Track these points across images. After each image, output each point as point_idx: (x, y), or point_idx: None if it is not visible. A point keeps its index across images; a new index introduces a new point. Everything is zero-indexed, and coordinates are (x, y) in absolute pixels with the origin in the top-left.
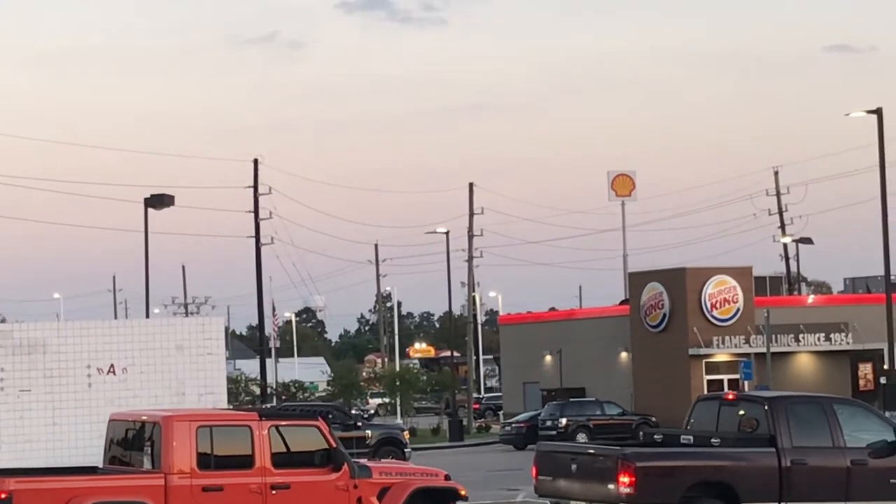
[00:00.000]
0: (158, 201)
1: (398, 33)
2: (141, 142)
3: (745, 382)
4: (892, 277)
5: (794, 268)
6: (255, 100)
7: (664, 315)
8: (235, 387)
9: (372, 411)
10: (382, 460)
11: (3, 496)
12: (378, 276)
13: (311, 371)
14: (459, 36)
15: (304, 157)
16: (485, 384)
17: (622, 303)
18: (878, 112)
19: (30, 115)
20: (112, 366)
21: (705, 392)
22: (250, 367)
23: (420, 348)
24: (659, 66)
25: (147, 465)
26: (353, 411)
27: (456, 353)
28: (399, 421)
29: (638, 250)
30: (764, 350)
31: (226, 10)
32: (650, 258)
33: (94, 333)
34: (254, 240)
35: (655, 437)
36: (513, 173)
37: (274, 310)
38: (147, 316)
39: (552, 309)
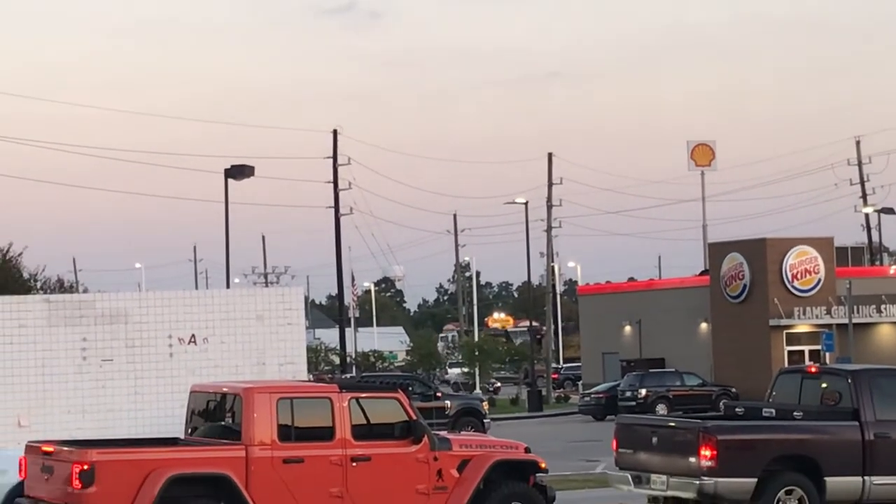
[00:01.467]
0: (238, 172)
1: (476, 3)
2: (221, 113)
3: (827, 354)
4: None
5: (875, 238)
6: (334, 70)
7: (744, 286)
8: (315, 356)
9: (470, 383)
10: (462, 432)
11: (85, 467)
12: (457, 245)
13: (391, 340)
14: (537, 5)
15: (383, 127)
16: (564, 353)
17: (702, 273)
18: None
19: (111, 85)
20: (193, 336)
21: (786, 363)
22: (330, 336)
23: (499, 318)
24: (738, 34)
25: (229, 437)
26: (453, 381)
27: (535, 323)
28: (478, 391)
29: (717, 220)
30: (845, 321)
31: None
32: (730, 229)
33: (175, 304)
34: (333, 210)
35: (737, 409)
36: (591, 143)
37: (353, 280)
38: (227, 286)
39: (631, 279)
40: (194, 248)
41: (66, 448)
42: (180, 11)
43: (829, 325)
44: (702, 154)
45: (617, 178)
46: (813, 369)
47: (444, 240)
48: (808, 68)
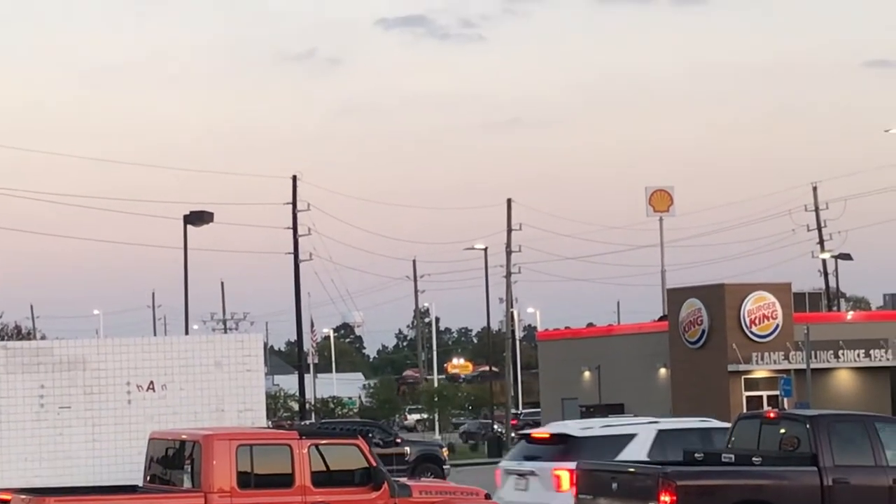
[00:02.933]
0: (198, 218)
1: (437, 50)
2: (180, 159)
3: (785, 399)
4: None
5: (833, 284)
6: (295, 116)
7: (703, 331)
8: (274, 403)
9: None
10: (422, 478)
11: None
12: (416, 291)
13: (350, 387)
14: (497, 52)
15: (343, 173)
16: (523, 398)
17: (660, 319)
18: None
19: (69, 132)
20: (151, 382)
21: (745, 408)
22: (288, 382)
23: (458, 364)
24: (697, 81)
25: (187, 483)
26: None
27: (494, 369)
28: (437, 437)
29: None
30: (803, 366)
31: (266, 26)
32: (688, 274)
33: (134, 350)
34: (292, 256)
35: (696, 455)
36: (550, 189)
37: (312, 326)
38: (186, 332)
39: (590, 325)
40: (153, 294)
41: (23, 496)
42: (141, 57)
43: (787, 371)
44: (660, 200)
45: (576, 223)
46: (772, 415)
47: (403, 286)
48: (768, 114)
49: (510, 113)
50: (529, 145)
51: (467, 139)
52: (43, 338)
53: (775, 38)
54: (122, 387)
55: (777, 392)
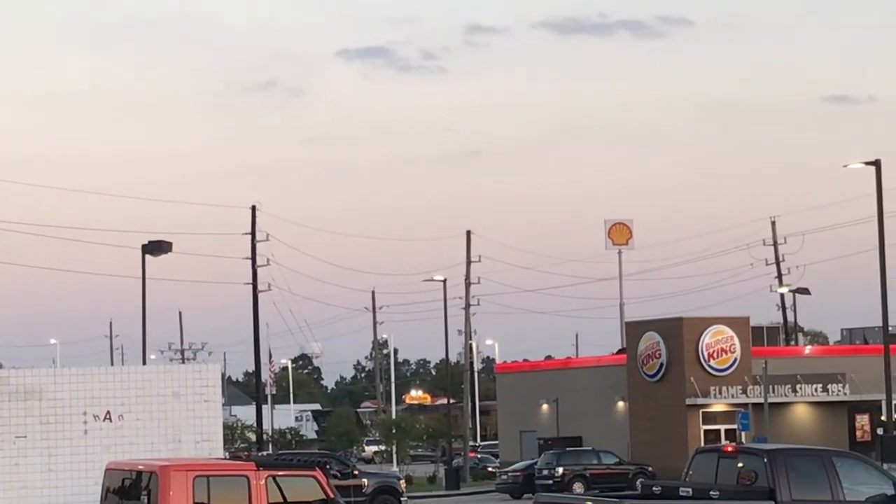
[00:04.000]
0: (156, 248)
1: (397, 81)
2: (139, 188)
3: (743, 433)
4: (889, 329)
5: (791, 318)
6: (254, 146)
7: (661, 364)
8: (231, 433)
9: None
10: None
11: None
12: (375, 323)
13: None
14: (458, 84)
15: (303, 203)
16: (481, 432)
17: (619, 352)
18: (877, 163)
19: (26, 160)
20: (108, 412)
21: (702, 442)
22: (246, 413)
23: (416, 395)
24: (656, 115)
25: None
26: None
27: (452, 401)
28: (395, 469)
29: (635, 299)
30: (761, 400)
31: (226, 56)
32: (647, 307)
33: (91, 380)
34: (251, 286)
35: (654, 488)
36: (510, 221)
37: (270, 356)
38: (144, 362)
39: (549, 357)
40: (110, 323)
41: None
42: (100, 85)
43: (745, 405)
44: (619, 233)
45: (536, 256)
46: (729, 448)
47: (362, 317)
48: (727, 148)
49: (470, 145)
50: (489, 177)
51: (427, 171)
52: None
53: (734, 73)
54: (78, 417)
55: (735, 426)
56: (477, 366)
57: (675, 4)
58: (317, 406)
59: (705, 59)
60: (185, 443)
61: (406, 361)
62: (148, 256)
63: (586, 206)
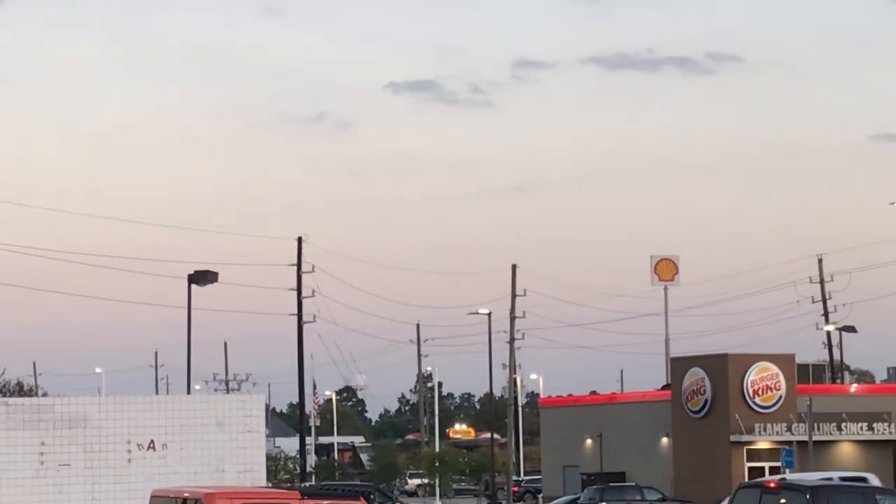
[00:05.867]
0: (202, 278)
1: (445, 114)
2: (187, 218)
3: (787, 471)
4: None
5: (836, 356)
6: (302, 178)
7: (706, 401)
8: (275, 465)
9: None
10: None
11: None
12: (419, 355)
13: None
14: (505, 118)
15: (349, 235)
16: (524, 465)
17: (663, 388)
18: None
19: (73, 190)
20: (152, 441)
21: (746, 479)
22: (290, 445)
23: (460, 429)
24: (704, 152)
25: None
26: None
27: (496, 436)
28: (438, 502)
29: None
30: (806, 438)
31: (276, 89)
32: (692, 343)
33: (135, 409)
34: (296, 318)
35: None
36: (556, 255)
37: (315, 388)
38: (188, 392)
39: (593, 392)
40: (155, 353)
41: None
42: (150, 117)
43: (789, 442)
44: (665, 269)
45: (581, 290)
46: (772, 484)
47: (406, 349)
48: (774, 185)
49: (517, 179)
50: (536, 211)
51: (473, 204)
52: (44, 395)
53: (782, 110)
54: (122, 445)
55: (779, 463)
56: (521, 400)
57: (724, 41)
58: (361, 438)
59: (753, 96)
60: (229, 472)
61: (450, 395)
62: (194, 286)
63: (633, 242)
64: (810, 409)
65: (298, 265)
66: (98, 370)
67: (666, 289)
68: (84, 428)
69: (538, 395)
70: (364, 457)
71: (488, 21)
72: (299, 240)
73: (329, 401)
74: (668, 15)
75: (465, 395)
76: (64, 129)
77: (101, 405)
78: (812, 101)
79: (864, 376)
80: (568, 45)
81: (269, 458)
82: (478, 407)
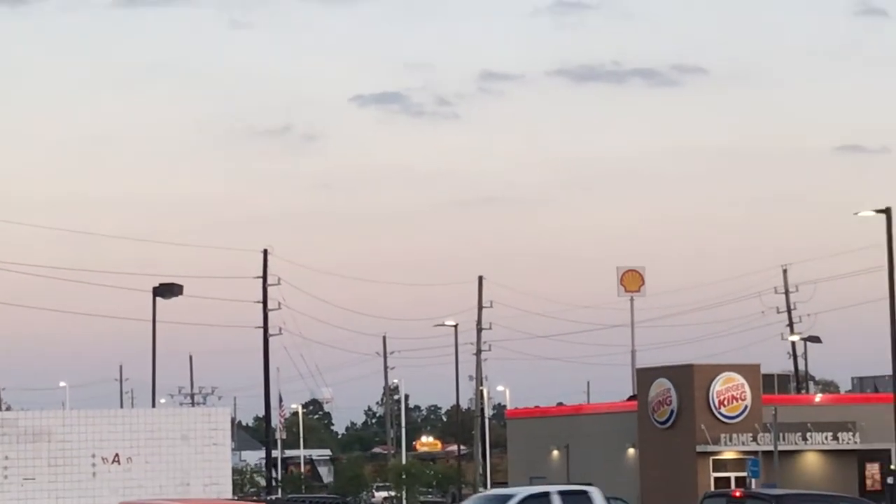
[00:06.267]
0: (167, 291)
1: (411, 127)
2: (151, 231)
3: (753, 480)
4: None
5: (802, 366)
6: (268, 191)
7: (672, 411)
8: (241, 478)
9: None
10: None
11: None
12: (386, 368)
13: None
14: (472, 130)
15: (315, 248)
16: (492, 477)
17: (630, 399)
18: (887, 212)
19: (38, 203)
20: (117, 455)
21: (712, 489)
22: (256, 458)
23: (427, 442)
24: (670, 163)
25: None
26: None
27: (463, 447)
28: None
29: (647, 346)
30: (771, 448)
31: (242, 102)
32: (659, 354)
33: (99, 422)
34: (262, 330)
35: None
36: (522, 267)
37: (281, 401)
38: (153, 405)
39: (560, 404)
40: (120, 367)
41: None
42: (112, 130)
43: (755, 452)
44: (631, 280)
45: (548, 302)
46: (738, 493)
47: (373, 362)
48: (739, 196)
49: (483, 191)
50: (502, 223)
51: (440, 216)
52: (8, 409)
53: (748, 122)
54: (87, 459)
55: (745, 473)
56: (488, 412)
57: (688, 53)
58: (327, 452)
59: (719, 108)
60: (194, 486)
61: (417, 407)
62: (159, 299)
63: (599, 253)
64: (775, 418)
65: (264, 278)
66: (62, 384)
67: (632, 300)
68: (48, 442)
69: (505, 406)
70: (323, 470)
71: (454, 33)
72: (265, 252)
73: (295, 414)
74: (633, 27)
75: (433, 408)
76: (28, 142)
77: (66, 419)
78: (777, 112)
79: (829, 386)
80: (534, 58)
81: (235, 471)
82: (445, 419)
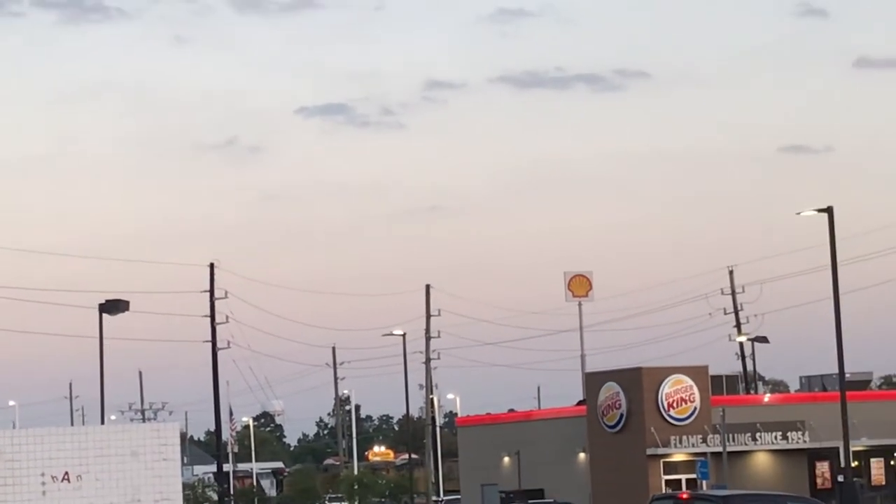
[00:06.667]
0: (113, 307)
1: (356, 137)
2: (97, 248)
3: (703, 482)
4: (846, 376)
5: (750, 367)
6: (214, 204)
7: (621, 415)
8: (193, 493)
9: None
10: None
11: None
12: (336, 379)
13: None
14: (417, 139)
15: (262, 261)
16: (444, 485)
17: (579, 403)
18: (829, 211)
19: None
20: (66, 473)
21: (663, 491)
22: (208, 472)
23: (379, 451)
24: (615, 167)
25: None
26: None
27: (414, 456)
28: None
29: (596, 350)
30: (721, 449)
31: (185, 115)
32: (609, 358)
33: (48, 440)
34: (210, 344)
35: None
36: (470, 275)
37: (231, 415)
38: (102, 422)
39: (511, 410)
40: (70, 385)
41: None
42: (56, 146)
43: (705, 454)
44: (579, 285)
45: (496, 309)
46: (685, 496)
47: (323, 373)
48: (685, 199)
49: (430, 199)
50: (449, 231)
51: (387, 226)
52: None
53: (691, 123)
54: (36, 478)
55: (695, 475)
56: (440, 420)
57: (631, 58)
58: (279, 464)
59: (661, 111)
60: (145, 502)
61: (369, 417)
62: (105, 315)
63: (546, 259)
64: (724, 419)
65: (211, 291)
66: (11, 403)
67: (580, 304)
68: None
69: (456, 414)
70: (265, 483)
71: (398, 43)
72: (211, 266)
73: (247, 427)
74: (575, 33)
75: (384, 417)
76: None
77: (14, 438)
78: (720, 113)
79: (778, 386)
80: (477, 66)
81: (187, 486)
82: (397, 428)
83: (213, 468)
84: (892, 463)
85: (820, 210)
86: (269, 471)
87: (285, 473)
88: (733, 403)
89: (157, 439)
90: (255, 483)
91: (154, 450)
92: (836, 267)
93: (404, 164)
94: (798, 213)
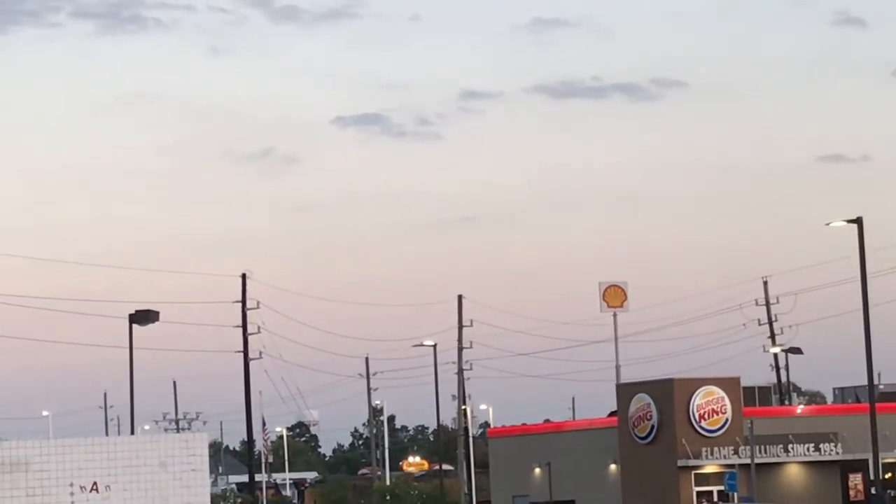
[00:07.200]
0: (143, 317)
1: (392, 147)
2: (132, 258)
3: (733, 494)
4: (880, 387)
5: (784, 378)
6: (248, 214)
7: (652, 426)
8: (224, 502)
9: None
10: None
11: None
12: (369, 389)
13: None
14: (452, 150)
15: (295, 270)
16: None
17: (611, 414)
18: (858, 221)
19: (16, 232)
20: (95, 483)
21: None
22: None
23: (413, 462)
24: (651, 177)
25: None
26: None
27: (448, 467)
28: None
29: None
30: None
31: (222, 127)
32: (643, 369)
33: (77, 451)
34: (242, 355)
35: None
36: (504, 285)
37: (265, 424)
38: (132, 432)
39: (546, 421)
40: (104, 395)
41: None
42: (90, 156)
43: (735, 466)
44: (613, 295)
45: (530, 320)
46: None
47: (357, 384)
48: (721, 209)
49: (464, 209)
50: (483, 241)
51: (421, 236)
52: None
53: (728, 134)
54: (65, 488)
55: (724, 487)
56: (473, 431)
57: (668, 68)
58: (314, 474)
59: (699, 121)
60: None
61: (405, 427)
62: (136, 326)
63: (581, 270)
64: (752, 430)
65: (243, 302)
66: (45, 413)
67: (615, 315)
68: (26, 472)
69: (489, 425)
70: (287, 493)
71: (433, 53)
72: (243, 276)
73: (281, 437)
74: (612, 43)
75: (419, 428)
76: (2, 169)
77: (43, 448)
78: (757, 123)
79: (815, 397)
80: (513, 75)
81: (217, 496)
82: (432, 439)
83: (248, 478)
84: None
85: (849, 221)
86: (291, 481)
87: (306, 485)
88: (765, 415)
89: (186, 450)
90: (278, 492)
91: (182, 460)
92: (866, 277)
93: (439, 173)
94: (827, 224)
